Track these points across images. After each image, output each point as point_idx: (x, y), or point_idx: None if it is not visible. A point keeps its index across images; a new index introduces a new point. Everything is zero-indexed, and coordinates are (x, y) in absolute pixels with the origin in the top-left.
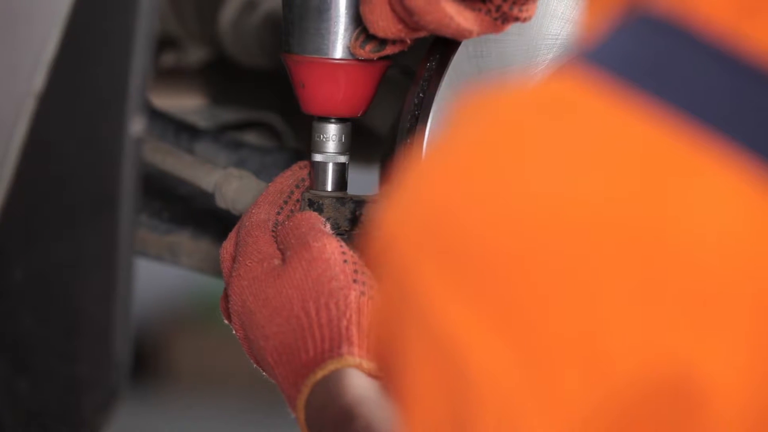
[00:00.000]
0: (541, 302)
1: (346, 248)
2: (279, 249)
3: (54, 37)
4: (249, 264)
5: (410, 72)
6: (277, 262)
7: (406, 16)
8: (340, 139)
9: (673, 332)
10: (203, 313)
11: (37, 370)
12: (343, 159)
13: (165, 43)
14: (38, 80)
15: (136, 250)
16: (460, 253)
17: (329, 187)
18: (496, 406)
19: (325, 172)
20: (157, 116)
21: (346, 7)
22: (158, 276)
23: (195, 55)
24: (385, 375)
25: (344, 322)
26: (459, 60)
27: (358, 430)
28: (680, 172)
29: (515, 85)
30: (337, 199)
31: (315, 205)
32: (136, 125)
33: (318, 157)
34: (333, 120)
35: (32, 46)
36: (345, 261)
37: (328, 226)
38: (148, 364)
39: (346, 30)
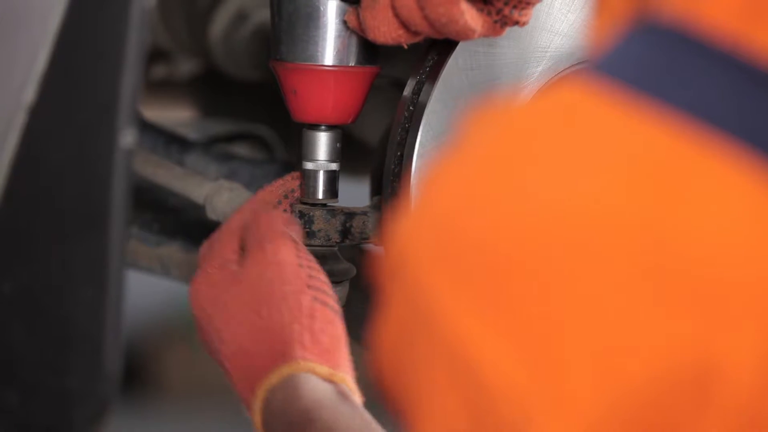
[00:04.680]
0: (553, 308)
1: (303, 251)
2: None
3: (45, 50)
4: (209, 270)
5: (401, 84)
6: (235, 267)
7: (413, 13)
8: (330, 147)
9: (686, 327)
10: (194, 325)
11: (28, 383)
12: (333, 166)
13: (156, 55)
14: (29, 93)
15: (126, 262)
16: (473, 265)
17: (320, 195)
18: (510, 412)
19: (315, 179)
20: (147, 128)
21: (337, 14)
22: (149, 288)
23: (185, 67)
24: (397, 388)
25: (297, 326)
26: (449, 73)
27: None
28: (689, 175)
29: (525, 97)
30: (328, 211)
31: (306, 218)
32: (127, 137)
33: (309, 165)
34: (323, 127)
35: (23, 59)
36: (300, 265)
37: (294, 226)
38: (138, 375)
39: (337, 37)
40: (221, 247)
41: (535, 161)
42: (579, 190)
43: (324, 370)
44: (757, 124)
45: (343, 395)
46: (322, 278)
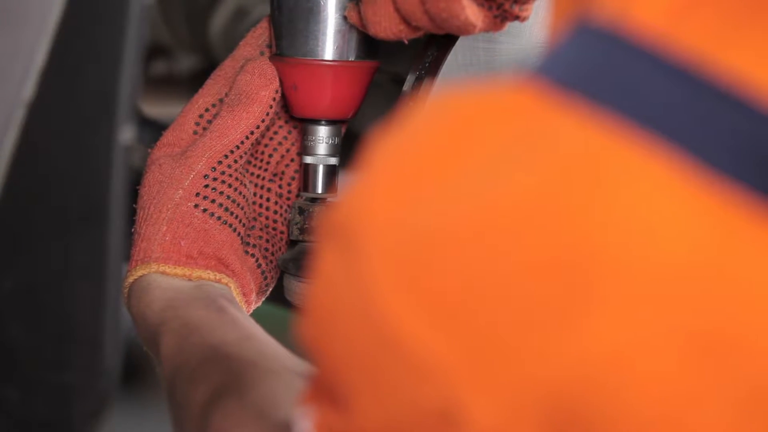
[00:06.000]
0: (481, 296)
1: (232, 158)
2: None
3: (44, 46)
4: (161, 148)
5: (401, 80)
6: (177, 150)
7: (414, 8)
8: (330, 142)
9: (604, 331)
10: None
11: (28, 379)
12: (333, 161)
13: (156, 51)
14: (28, 89)
15: (125, 258)
16: (406, 242)
17: (320, 189)
18: (437, 392)
19: (315, 174)
20: (147, 124)
21: (337, 9)
22: None
23: (185, 63)
24: (324, 350)
25: (163, 228)
26: (449, 68)
27: (167, 349)
28: (616, 173)
29: (478, 91)
30: (328, 207)
31: (305, 213)
32: (126, 133)
33: (309, 159)
34: (324, 122)
35: (22, 55)
36: (205, 176)
37: (274, 83)
38: (138, 371)
39: (338, 31)
40: (181, 124)
41: (471, 154)
42: (509, 185)
43: (179, 270)
44: (684, 123)
45: (204, 295)
46: (222, 189)
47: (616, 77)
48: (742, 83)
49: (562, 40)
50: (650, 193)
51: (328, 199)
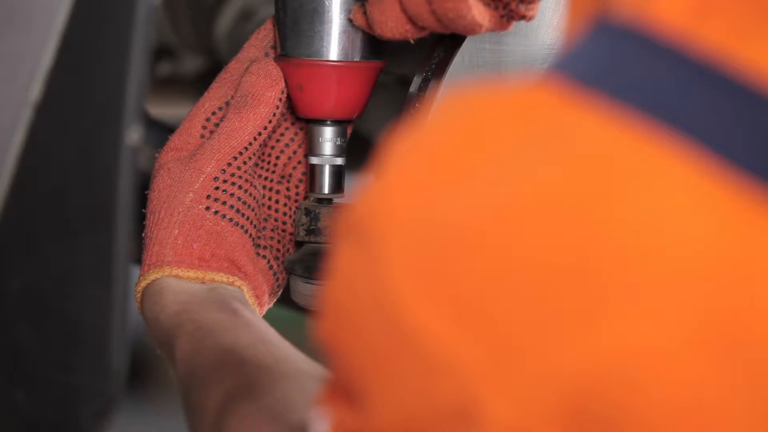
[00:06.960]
0: (502, 293)
1: (243, 161)
2: None
3: (51, 47)
4: (169, 152)
5: (407, 81)
6: (184, 154)
7: (421, 8)
8: (336, 142)
9: (623, 328)
10: None
11: (35, 380)
12: (339, 161)
13: (161, 52)
14: (35, 90)
15: (132, 259)
16: (426, 243)
17: (326, 190)
18: (457, 390)
19: (321, 174)
20: (153, 125)
21: (342, 9)
22: None
23: (191, 64)
24: (341, 350)
25: (175, 232)
26: (455, 70)
27: (182, 353)
28: (635, 169)
29: (496, 88)
30: (334, 207)
31: (311, 215)
32: (133, 134)
33: (315, 160)
34: (329, 122)
35: (29, 56)
36: (215, 178)
37: (280, 83)
38: (145, 372)
39: (342, 32)
40: (187, 130)
41: (490, 151)
42: (528, 182)
43: (192, 273)
44: (704, 120)
45: (217, 298)
46: (233, 190)
47: (635, 74)
48: (763, 80)
49: (581, 37)
50: (669, 189)
51: (335, 200)
